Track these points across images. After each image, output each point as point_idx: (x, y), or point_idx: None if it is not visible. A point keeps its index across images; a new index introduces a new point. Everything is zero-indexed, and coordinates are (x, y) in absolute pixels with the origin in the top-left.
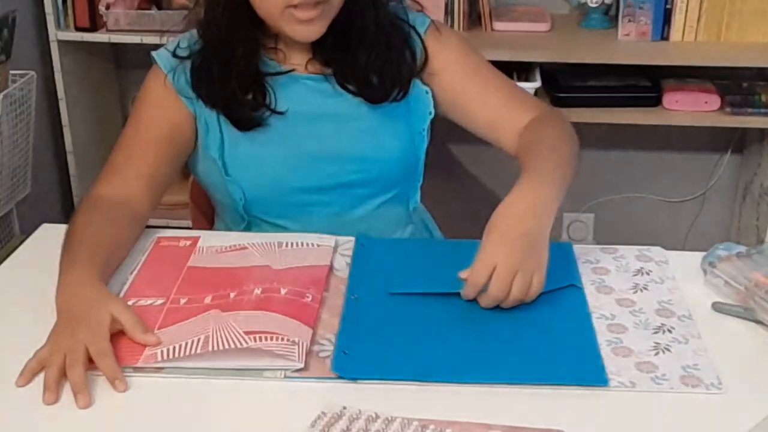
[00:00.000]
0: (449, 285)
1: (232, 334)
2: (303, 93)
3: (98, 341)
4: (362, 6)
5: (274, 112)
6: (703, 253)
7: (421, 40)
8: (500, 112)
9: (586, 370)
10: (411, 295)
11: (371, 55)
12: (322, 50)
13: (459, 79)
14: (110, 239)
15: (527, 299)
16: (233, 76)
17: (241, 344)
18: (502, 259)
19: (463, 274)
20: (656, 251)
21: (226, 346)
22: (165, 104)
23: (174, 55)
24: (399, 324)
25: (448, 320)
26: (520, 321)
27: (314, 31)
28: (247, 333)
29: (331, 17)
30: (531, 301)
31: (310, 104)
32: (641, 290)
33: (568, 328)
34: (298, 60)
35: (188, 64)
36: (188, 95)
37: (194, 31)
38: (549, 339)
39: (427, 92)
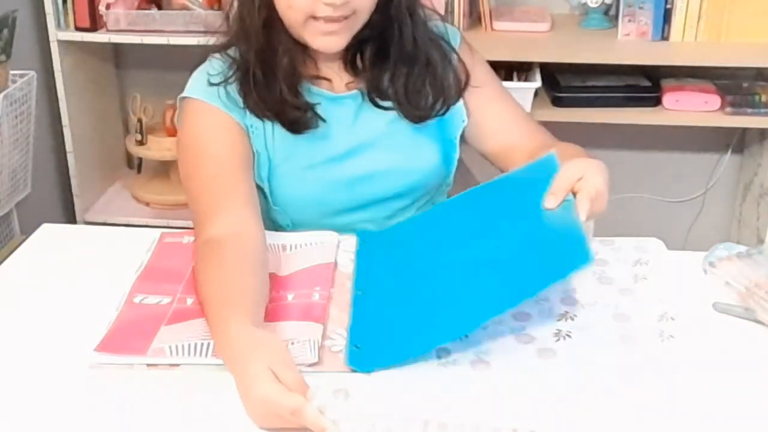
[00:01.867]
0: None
1: None
2: (339, 112)
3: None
4: (400, 24)
5: (318, 116)
6: (703, 253)
7: (458, 56)
8: (515, 137)
9: (569, 255)
10: (413, 275)
11: (413, 75)
12: (358, 69)
13: (487, 101)
14: (246, 281)
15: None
16: (279, 79)
17: None
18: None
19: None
20: (653, 242)
21: None
22: (225, 133)
23: (210, 84)
24: (407, 315)
25: (447, 274)
26: (510, 232)
27: (336, 42)
28: None
29: (355, 30)
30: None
31: (346, 124)
32: (641, 280)
33: (552, 217)
34: (332, 75)
35: (228, 87)
36: (239, 117)
37: (214, 61)
38: (535, 235)
39: (459, 101)
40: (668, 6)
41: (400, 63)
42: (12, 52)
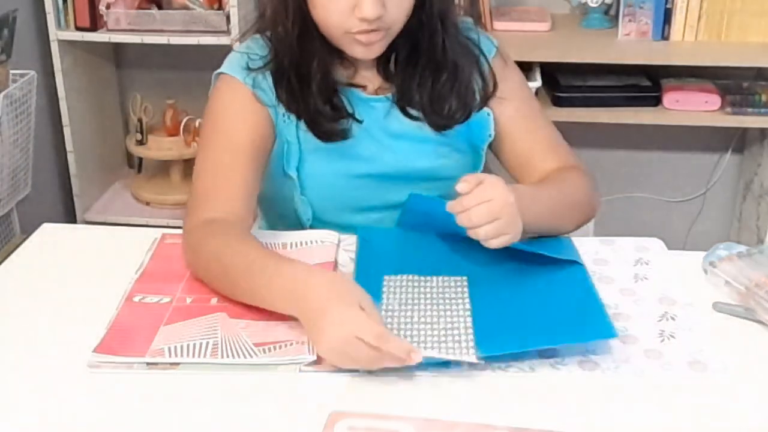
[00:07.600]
0: (453, 267)
1: (242, 346)
2: (370, 114)
3: (372, 328)
4: (431, 31)
5: (354, 119)
6: (703, 253)
7: (489, 65)
8: (535, 153)
9: (594, 326)
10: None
11: (439, 81)
12: (390, 73)
13: (514, 112)
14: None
15: (487, 242)
16: (312, 90)
17: (250, 356)
18: (499, 196)
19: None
20: (653, 242)
21: (236, 359)
22: (250, 116)
23: (249, 68)
24: None
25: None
26: (525, 290)
27: (373, 51)
28: (256, 345)
29: (391, 39)
30: (488, 246)
31: (376, 125)
32: (641, 280)
33: (572, 293)
34: (366, 81)
35: (265, 73)
36: (270, 104)
37: (257, 42)
38: (555, 304)
39: (488, 114)
40: (668, 6)
41: (428, 70)
42: (12, 52)
